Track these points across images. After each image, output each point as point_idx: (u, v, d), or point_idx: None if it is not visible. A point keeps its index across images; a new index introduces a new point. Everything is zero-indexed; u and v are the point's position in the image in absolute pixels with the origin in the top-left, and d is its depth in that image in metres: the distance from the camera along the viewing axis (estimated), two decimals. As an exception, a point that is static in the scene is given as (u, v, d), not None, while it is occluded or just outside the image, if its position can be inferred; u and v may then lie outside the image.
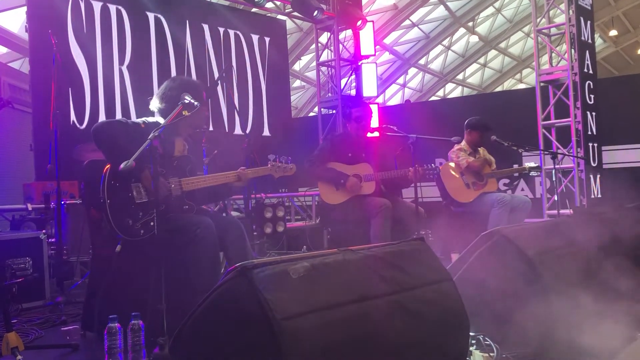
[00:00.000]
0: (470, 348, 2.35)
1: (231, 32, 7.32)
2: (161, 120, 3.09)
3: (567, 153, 6.25)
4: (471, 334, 2.30)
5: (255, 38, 7.62)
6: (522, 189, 7.25)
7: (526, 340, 2.39)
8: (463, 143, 5.15)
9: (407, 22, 15.30)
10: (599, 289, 2.53)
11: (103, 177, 2.85)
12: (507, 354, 2.35)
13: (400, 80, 18.00)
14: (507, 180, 7.15)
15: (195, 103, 2.89)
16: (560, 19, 6.54)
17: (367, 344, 1.75)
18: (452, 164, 5.08)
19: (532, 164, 5.27)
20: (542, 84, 6.62)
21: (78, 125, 5.62)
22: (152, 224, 2.85)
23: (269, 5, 7.87)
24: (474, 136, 5.13)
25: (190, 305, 1.83)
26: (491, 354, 2.34)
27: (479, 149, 5.25)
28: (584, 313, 2.46)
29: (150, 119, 3.18)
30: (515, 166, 7.05)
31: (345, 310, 1.73)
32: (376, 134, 4.67)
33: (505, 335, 2.41)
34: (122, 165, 2.46)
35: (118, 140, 2.86)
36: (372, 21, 8.55)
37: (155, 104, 3.21)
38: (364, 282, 1.87)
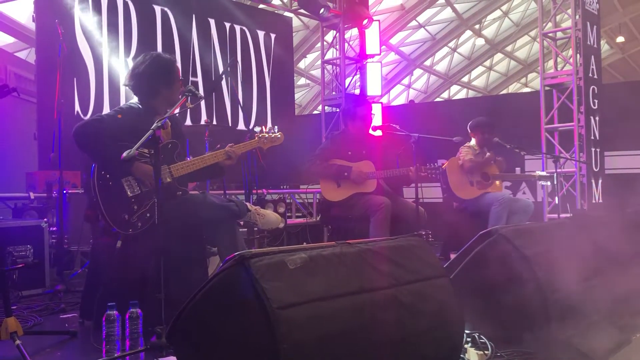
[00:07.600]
0: (466, 345, 2.36)
1: (237, 28, 7.33)
2: (133, 98, 3.12)
3: (569, 157, 6.25)
4: (467, 331, 2.31)
5: (261, 34, 7.63)
6: (524, 192, 7.25)
7: (521, 339, 2.40)
8: (473, 142, 5.17)
9: (414, 22, 15.31)
10: (595, 291, 2.54)
11: (92, 175, 2.84)
12: (501, 352, 2.36)
13: (405, 81, 18.01)
14: (509, 183, 7.15)
15: (199, 95, 2.89)
16: (567, 23, 6.54)
17: (361, 336, 1.76)
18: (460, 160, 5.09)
19: (544, 173, 5.25)
20: (546, 88, 6.62)
21: (82, 116, 5.65)
22: (148, 215, 2.86)
23: (276, 1, 7.89)
24: (476, 136, 5.13)
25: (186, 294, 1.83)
26: (486, 352, 2.35)
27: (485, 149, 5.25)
28: (579, 314, 2.48)
29: (124, 106, 3.14)
30: (518, 169, 7.10)
31: (340, 302, 1.75)
32: (379, 132, 4.65)
33: (501, 334, 2.43)
34: (124, 154, 2.45)
35: (97, 140, 2.84)
36: (379, 21, 8.56)
37: (127, 81, 3.15)
38: (361, 275, 1.88)
